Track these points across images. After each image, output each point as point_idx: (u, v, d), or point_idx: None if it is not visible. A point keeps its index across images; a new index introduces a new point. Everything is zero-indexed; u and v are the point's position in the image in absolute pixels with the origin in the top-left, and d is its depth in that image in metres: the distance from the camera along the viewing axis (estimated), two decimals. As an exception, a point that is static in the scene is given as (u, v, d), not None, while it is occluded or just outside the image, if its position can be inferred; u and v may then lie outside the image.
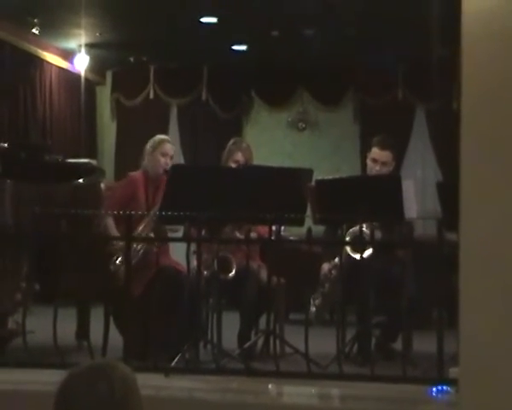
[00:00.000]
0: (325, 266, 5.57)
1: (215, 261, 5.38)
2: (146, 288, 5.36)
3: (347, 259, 5.23)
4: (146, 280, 5.37)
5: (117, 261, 5.49)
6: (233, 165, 5.89)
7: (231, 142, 6.14)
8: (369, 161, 5.79)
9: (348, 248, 5.28)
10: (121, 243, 5.40)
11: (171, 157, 5.84)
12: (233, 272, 5.56)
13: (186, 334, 5.07)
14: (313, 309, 5.47)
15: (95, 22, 8.70)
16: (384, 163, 5.71)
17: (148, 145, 5.86)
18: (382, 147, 5.73)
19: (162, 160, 5.77)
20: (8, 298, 5.53)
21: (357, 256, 5.10)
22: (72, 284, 5.45)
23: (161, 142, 5.87)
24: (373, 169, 5.72)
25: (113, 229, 5.65)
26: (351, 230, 5.29)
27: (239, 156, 5.92)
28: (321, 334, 5.14)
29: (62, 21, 8.66)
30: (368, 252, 5.06)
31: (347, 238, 5.28)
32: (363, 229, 5.07)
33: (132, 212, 5.33)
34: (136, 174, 5.91)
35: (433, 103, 9.68)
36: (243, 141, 6.20)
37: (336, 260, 5.36)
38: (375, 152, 5.74)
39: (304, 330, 4.80)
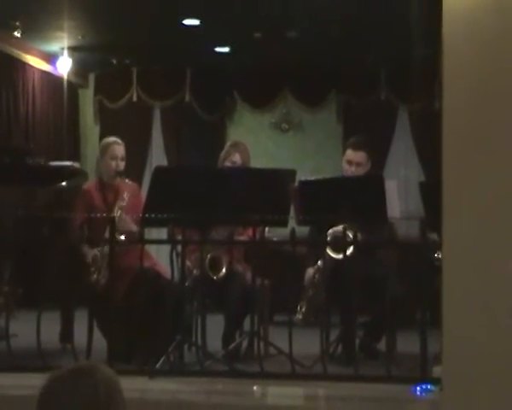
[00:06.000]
0: (310, 271, 5.56)
1: (207, 260, 5.39)
2: (127, 291, 5.34)
3: (329, 260, 5.22)
4: (127, 283, 5.35)
5: (94, 275, 5.45)
6: (229, 165, 5.84)
7: (229, 143, 6.14)
8: (343, 164, 5.76)
9: (329, 250, 5.26)
10: (95, 255, 5.42)
11: (122, 158, 5.69)
12: (223, 271, 5.54)
13: (170, 336, 5.05)
14: (300, 317, 5.45)
15: (77, 25, 8.67)
16: (358, 164, 5.69)
17: (98, 150, 5.76)
18: (355, 148, 5.72)
19: (113, 163, 5.66)
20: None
21: (339, 256, 5.11)
22: (56, 288, 5.43)
23: (108, 145, 5.73)
24: (348, 171, 5.70)
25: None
26: (330, 230, 5.28)
27: (236, 157, 5.85)
28: (305, 335, 5.15)
29: (44, 24, 8.63)
30: (349, 251, 5.07)
31: (328, 238, 5.27)
32: (346, 230, 5.07)
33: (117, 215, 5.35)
34: (89, 184, 5.89)
35: (416, 104, 9.70)
36: (241, 143, 6.12)
37: (319, 263, 5.36)
38: (349, 153, 5.73)
39: (288, 331, 4.82)
